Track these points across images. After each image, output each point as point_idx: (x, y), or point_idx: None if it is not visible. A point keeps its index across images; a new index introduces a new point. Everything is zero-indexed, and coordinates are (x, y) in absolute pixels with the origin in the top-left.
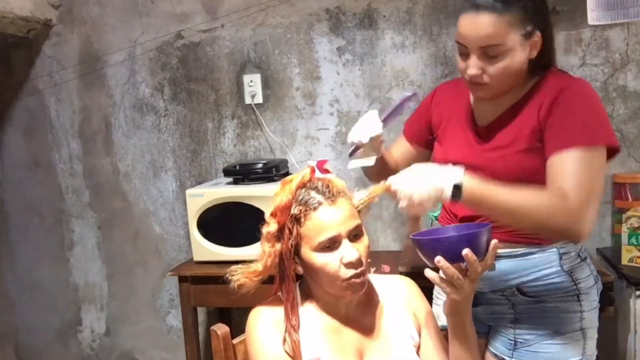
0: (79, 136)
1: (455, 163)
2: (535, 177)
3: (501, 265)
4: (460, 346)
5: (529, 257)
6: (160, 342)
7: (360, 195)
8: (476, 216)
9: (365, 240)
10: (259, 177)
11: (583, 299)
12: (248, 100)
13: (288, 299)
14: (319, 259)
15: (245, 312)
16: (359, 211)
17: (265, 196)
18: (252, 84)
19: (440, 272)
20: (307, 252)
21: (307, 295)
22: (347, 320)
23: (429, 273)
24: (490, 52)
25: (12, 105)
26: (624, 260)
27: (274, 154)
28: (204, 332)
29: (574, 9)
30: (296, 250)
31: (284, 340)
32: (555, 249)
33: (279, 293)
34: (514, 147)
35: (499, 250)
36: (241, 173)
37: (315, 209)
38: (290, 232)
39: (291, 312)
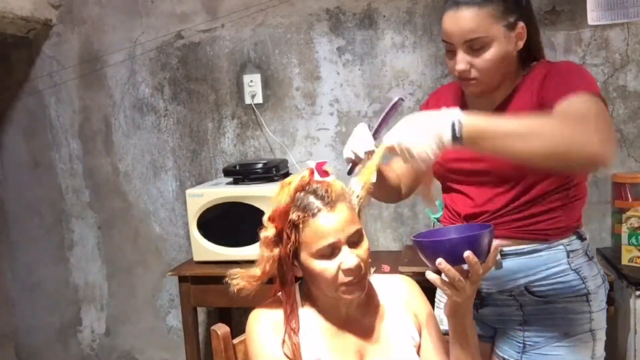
0: (79, 136)
1: (453, 159)
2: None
3: (508, 263)
4: (461, 347)
5: (536, 254)
6: (160, 342)
7: (356, 187)
8: (479, 213)
9: (365, 244)
10: (259, 177)
11: (592, 299)
12: (248, 100)
13: (288, 302)
14: (318, 265)
15: (245, 312)
16: (359, 212)
17: (265, 196)
18: (252, 84)
19: (442, 274)
20: (306, 258)
21: (307, 296)
22: (348, 321)
23: (430, 275)
24: (475, 45)
25: (12, 105)
26: (624, 260)
27: (274, 154)
28: (204, 332)
29: (574, 9)
30: (295, 254)
31: (283, 342)
32: (562, 246)
33: (279, 294)
34: None
35: (505, 248)
36: (241, 173)
37: (314, 215)
38: (289, 238)
39: (291, 315)
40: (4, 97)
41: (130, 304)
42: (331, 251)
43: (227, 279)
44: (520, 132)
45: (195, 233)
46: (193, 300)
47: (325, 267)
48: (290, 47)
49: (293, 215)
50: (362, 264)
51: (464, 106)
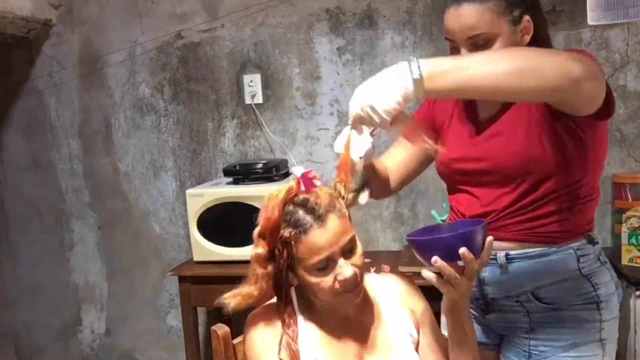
0: (79, 136)
1: (457, 159)
2: (540, 161)
3: (515, 268)
4: (459, 343)
5: (543, 258)
6: (160, 342)
7: (340, 188)
8: (484, 214)
9: (359, 250)
10: (259, 177)
11: (603, 307)
12: (248, 100)
13: (285, 311)
14: (314, 279)
15: (245, 312)
16: (349, 215)
17: (265, 196)
18: (252, 84)
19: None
20: (301, 272)
21: (303, 300)
22: (346, 323)
23: (426, 273)
24: (478, 42)
25: (12, 105)
26: (624, 260)
27: (274, 154)
28: (204, 332)
29: (574, 9)
30: (290, 266)
31: (280, 347)
32: (572, 250)
33: (274, 298)
34: (517, 130)
35: (512, 252)
36: (241, 173)
37: (305, 232)
38: (282, 255)
39: (289, 321)
40: (4, 97)
41: (130, 304)
42: (326, 264)
43: (221, 302)
44: (485, 57)
45: (195, 233)
46: (193, 300)
47: (321, 280)
48: (290, 47)
49: (285, 232)
50: (357, 273)
51: (470, 106)
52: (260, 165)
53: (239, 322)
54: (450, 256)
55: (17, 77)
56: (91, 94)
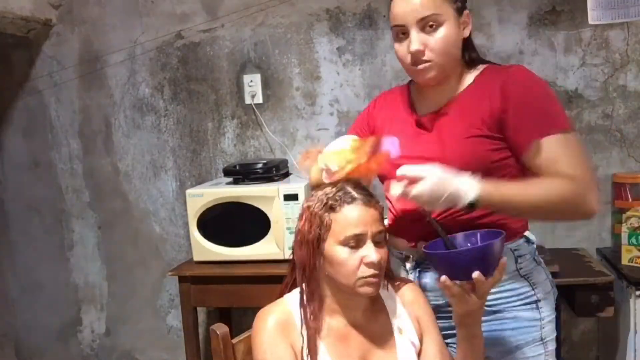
0: (79, 136)
1: (402, 156)
2: (483, 163)
3: None
4: (465, 357)
5: None
6: (160, 342)
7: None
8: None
9: (385, 249)
10: (259, 177)
11: (542, 306)
12: (248, 100)
13: (311, 299)
14: (342, 254)
15: (245, 312)
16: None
17: (265, 196)
18: (252, 84)
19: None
20: (331, 245)
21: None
22: (353, 326)
23: (440, 283)
24: (428, 24)
25: (12, 105)
26: (624, 260)
27: (274, 154)
28: (204, 332)
29: (574, 9)
30: (319, 243)
31: (292, 346)
32: (509, 251)
33: (285, 295)
34: (463, 134)
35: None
36: (241, 173)
37: (349, 203)
38: (321, 220)
39: (314, 314)
40: (4, 97)
41: (130, 304)
42: (356, 242)
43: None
44: (529, 208)
45: (195, 233)
46: (193, 300)
47: (348, 257)
48: (290, 47)
49: (331, 196)
50: (382, 262)
51: (410, 107)
52: (260, 165)
53: (238, 322)
54: (462, 272)
55: (17, 77)
56: (91, 94)
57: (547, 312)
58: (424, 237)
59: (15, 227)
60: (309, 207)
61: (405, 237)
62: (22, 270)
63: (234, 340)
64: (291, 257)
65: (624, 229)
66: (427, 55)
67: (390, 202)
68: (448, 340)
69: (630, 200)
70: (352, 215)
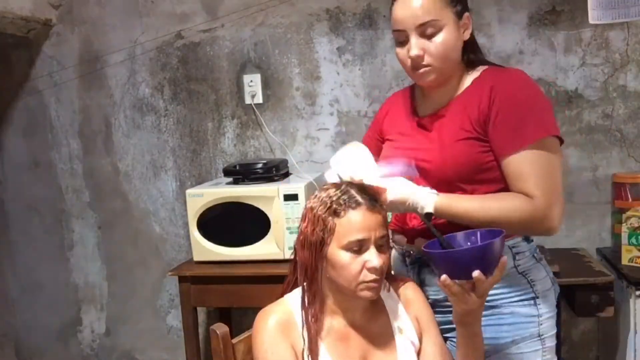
0: (79, 136)
1: (398, 157)
2: (474, 165)
3: None
4: (465, 355)
5: None
6: (160, 342)
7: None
8: None
9: (387, 254)
10: (259, 177)
11: (540, 302)
12: (248, 100)
13: (313, 301)
14: (345, 258)
15: (245, 312)
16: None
17: (265, 196)
18: (252, 84)
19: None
20: (334, 249)
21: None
22: (353, 326)
23: (440, 282)
24: (428, 29)
25: (12, 105)
26: (624, 260)
27: (274, 154)
28: (204, 332)
29: (574, 9)
30: (321, 247)
31: (293, 346)
32: (507, 248)
33: (286, 295)
34: (454, 136)
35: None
36: (241, 173)
37: (353, 208)
38: (325, 224)
39: (315, 315)
40: (4, 97)
41: (130, 304)
42: (359, 247)
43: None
44: (485, 222)
45: (195, 233)
46: (193, 300)
47: (350, 262)
48: (290, 47)
49: (335, 199)
50: (384, 267)
51: (411, 109)
52: (260, 165)
53: (238, 321)
54: (462, 271)
55: (17, 77)
56: (91, 94)
57: (545, 308)
58: (423, 235)
59: (15, 227)
60: (312, 208)
61: (405, 234)
62: (22, 270)
63: (234, 340)
64: (292, 256)
65: (624, 229)
66: (427, 60)
67: None
68: (448, 335)
69: (630, 200)
70: (356, 221)
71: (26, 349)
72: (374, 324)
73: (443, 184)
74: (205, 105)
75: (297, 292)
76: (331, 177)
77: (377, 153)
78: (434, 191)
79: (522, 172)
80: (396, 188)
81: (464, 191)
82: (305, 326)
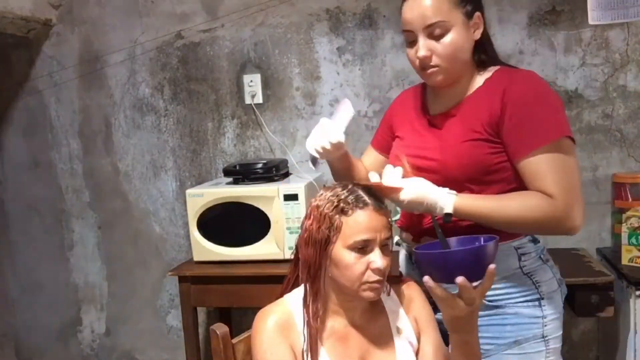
0: (79, 136)
1: (408, 154)
2: (482, 166)
3: None
4: None
5: None
6: (160, 342)
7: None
8: None
9: (391, 255)
10: (259, 177)
11: (545, 304)
12: (248, 100)
13: (314, 300)
14: (349, 258)
15: (245, 312)
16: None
17: (265, 196)
18: (252, 84)
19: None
20: (339, 248)
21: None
22: (352, 327)
23: (427, 282)
24: (435, 30)
25: (12, 105)
26: (624, 260)
27: (274, 154)
28: (204, 332)
29: (574, 9)
30: (329, 243)
31: (292, 346)
32: (512, 249)
33: (286, 295)
34: (463, 137)
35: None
36: (241, 173)
37: (361, 208)
38: (332, 222)
39: (317, 314)
40: (4, 97)
41: (130, 304)
42: (364, 247)
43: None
44: (505, 222)
45: (195, 233)
46: (193, 300)
47: (355, 262)
48: (290, 47)
49: (342, 199)
50: (387, 269)
51: (422, 107)
52: (260, 165)
53: (238, 321)
54: (446, 275)
55: (17, 77)
56: (91, 94)
57: (550, 310)
58: (430, 234)
59: (15, 227)
60: (318, 206)
61: (412, 232)
62: (22, 270)
63: (234, 340)
64: (293, 256)
65: (624, 229)
66: (434, 61)
67: None
68: None
69: (630, 200)
70: (363, 221)
71: (26, 349)
72: (373, 324)
73: (450, 183)
74: (205, 105)
75: (296, 293)
76: (311, 159)
77: (387, 149)
78: (453, 191)
79: (539, 172)
80: (413, 187)
81: (472, 191)
82: (306, 325)
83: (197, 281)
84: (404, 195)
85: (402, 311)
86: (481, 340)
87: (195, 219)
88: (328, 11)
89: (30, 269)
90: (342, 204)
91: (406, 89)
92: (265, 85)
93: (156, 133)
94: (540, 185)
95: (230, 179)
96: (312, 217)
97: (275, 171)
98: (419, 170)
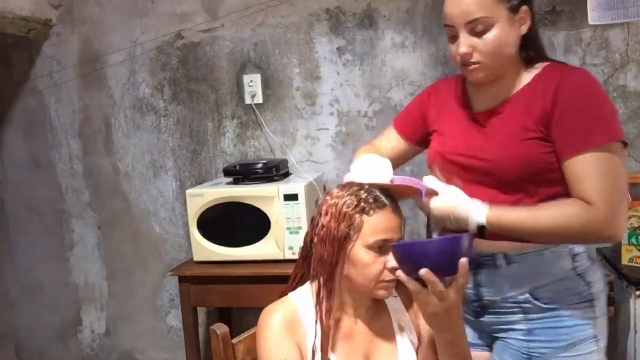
0: (79, 136)
1: (454, 153)
2: (539, 165)
3: (512, 269)
4: None
5: (540, 259)
6: (160, 342)
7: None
8: None
9: None
10: (259, 177)
11: (596, 304)
12: (248, 100)
13: (328, 297)
14: (368, 257)
15: (245, 312)
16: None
17: (265, 196)
18: (252, 84)
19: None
20: (358, 247)
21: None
22: (357, 324)
23: (399, 276)
24: (477, 27)
25: (12, 105)
26: (624, 260)
27: (274, 154)
28: (204, 332)
29: (574, 9)
30: (346, 242)
31: (298, 344)
32: (566, 250)
33: (291, 293)
34: (517, 136)
35: (509, 253)
36: (241, 173)
37: (380, 208)
38: (352, 220)
39: (330, 311)
40: (4, 97)
41: (130, 304)
42: (382, 247)
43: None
44: (541, 233)
45: (195, 233)
46: (193, 300)
47: (373, 261)
48: (290, 47)
49: (363, 199)
50: None
51: (465, 102)
52: (260, 165)
53: (238, 321)
54: (413, 268)
55: (17, 77)
56: (91, 94)
57: (600, 309)
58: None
59: (15, 227)
60: (336, 204)
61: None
62: (22, 270)
63: (234, 340)
64: (296, 254)
65: None
66: (475, 57)
67: None
68: (499, 335)
69: (630, 200)
70: (383, 221)
71: (26, 349)
72: (376, 323)
73: (504, 184)
74: (205, 105)
75: (301, 291)
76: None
77: (413, 137)
78: (486, 204)
79: (583, 176)
80: (446, 195)
81: (527, 192)
82: (317, 322)
83: (197, 281)
84: (435, 203)
85: (403, 309)
86: (536, 344)
87: (195, 219)
88: (328, 11)
89: (30, 269)
90: (362, 204)
91: (442, 80)
92: (265, 85)
93: (156, 133)
94: (581, 189)
95: (230, 179)
96: (329, 214)
97: (275, 171)
98: (467, 171)
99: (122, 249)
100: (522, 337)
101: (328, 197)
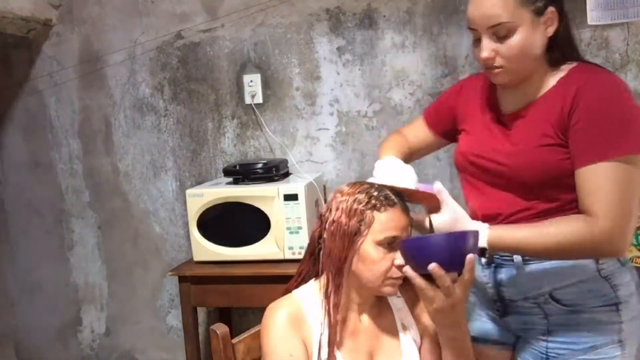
0: (79, 136)
1: (475, 155)
2: (558, 172)
3: (532, 269)
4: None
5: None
6: (160, 342)
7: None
8: (494, 215)
9: None
10: (259, 177)
11: (622, 308)
12: (248, 100)
13: (336, 292)
14: (377, 253)
15: (245, 312)
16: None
17: (265, 196)
18: (252, 84)
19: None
20: (368, 243)
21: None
22: (361, 321)
23: (407, 272)
24: (499, 32)
25: (12, 105)
26: None
27: (274, 154)
28: (204, 332)
29: (574, 9)
30: (356, 238)
31: (304, 340)
32: None
33: (295, 290)
34: (535, 142)
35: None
36: (241, 173)
37: (391, 206)
38: (363, 216)
39: (338, 306)
40: (4, 97)
41: (130, 304)
42: (391, 244)
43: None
44: (542, 251)
45: (195, 233)
46: (193, 300)
47: (382, 257)
48: (290, 47)
49: (374, 196)
50: None
51: (493, 103)
52: (260, 165)
53: (238, 321)
54: (421, 263)
55: (17, 77)
56: (91, 94)
57: (628, 314)
58: None
59: (15, 227)
60: (346, 200)
61: None
62: (22, 270)
63: (234, 340)
64: (304, 252)
65: None
66: (498, 62)
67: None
68: (519, 334)
69: None
70: (393, 218)
71: (26, 349)
72: (380, 320)
73: (523, 189)
74: (205, 105)
75: (304, 288)
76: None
77: (442, 131)
78: (486, 224)
79: (593, 188)
80: (450, 212)
81: (548, 197)
82: (325, 316)
83: (197, 281)
84: (438, 218)
85: (407, 309)
86: (555, 345)
87: (195, 219)
88: (328, 11)
89: (30, 269)
90: (374, 201)
91: (475, 75)
92: (265, 85)
93: (156, 133)
94: (587, 201)
95: (230, 179)
96: (340, 210)
97: (275, 171)
98: (487, 173)
99: (122, 249)
100: (542, 337)
101: (338, 194)
